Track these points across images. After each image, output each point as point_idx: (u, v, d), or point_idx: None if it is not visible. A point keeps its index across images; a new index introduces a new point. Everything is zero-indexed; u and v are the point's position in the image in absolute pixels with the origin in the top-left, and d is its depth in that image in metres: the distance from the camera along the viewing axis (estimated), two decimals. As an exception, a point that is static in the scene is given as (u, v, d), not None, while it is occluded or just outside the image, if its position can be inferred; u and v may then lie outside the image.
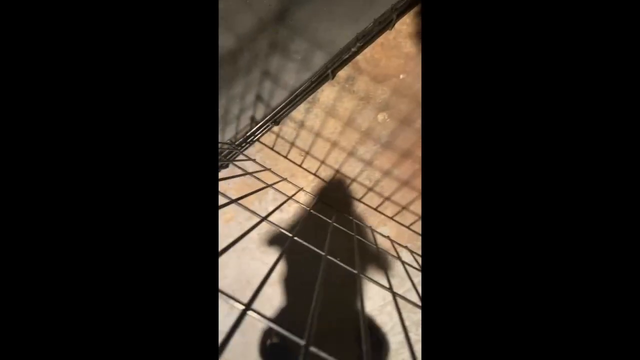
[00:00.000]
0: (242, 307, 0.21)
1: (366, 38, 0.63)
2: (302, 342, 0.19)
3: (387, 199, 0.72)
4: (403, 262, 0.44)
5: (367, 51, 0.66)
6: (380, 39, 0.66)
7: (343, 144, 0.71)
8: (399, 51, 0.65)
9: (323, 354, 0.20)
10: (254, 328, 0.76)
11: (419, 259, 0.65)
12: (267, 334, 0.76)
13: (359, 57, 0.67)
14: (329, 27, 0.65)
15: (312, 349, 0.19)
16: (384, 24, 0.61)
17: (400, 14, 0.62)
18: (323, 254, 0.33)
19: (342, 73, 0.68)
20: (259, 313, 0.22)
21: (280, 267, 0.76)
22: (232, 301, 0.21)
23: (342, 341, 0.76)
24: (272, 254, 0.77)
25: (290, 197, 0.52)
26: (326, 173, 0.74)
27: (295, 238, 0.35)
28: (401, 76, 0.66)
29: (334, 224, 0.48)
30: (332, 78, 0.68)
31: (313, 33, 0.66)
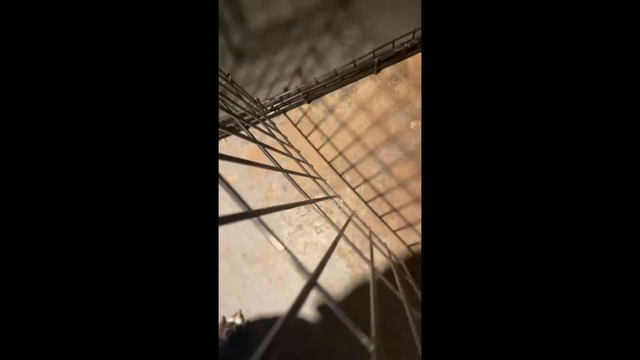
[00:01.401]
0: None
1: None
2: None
3: (395, 210, 0.69)
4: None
5: (420, 56, 0.65)
6: (435, 49, 0.64)
7: (367, 141, 0.69)
8: (450, 65, 0.63)
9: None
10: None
11: (408, 279, 0.61)
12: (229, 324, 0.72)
13: (409, 60, 0.65)
14: (391, 23, 0.64)
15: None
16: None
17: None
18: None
19: (387, 70, 0.66)
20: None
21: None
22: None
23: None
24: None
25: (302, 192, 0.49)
26: (341, 165, 0.71)
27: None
28: (446, 90, 0.64)
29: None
30: (376, 73, 0.67)
31: (371, 24, 0.65)
